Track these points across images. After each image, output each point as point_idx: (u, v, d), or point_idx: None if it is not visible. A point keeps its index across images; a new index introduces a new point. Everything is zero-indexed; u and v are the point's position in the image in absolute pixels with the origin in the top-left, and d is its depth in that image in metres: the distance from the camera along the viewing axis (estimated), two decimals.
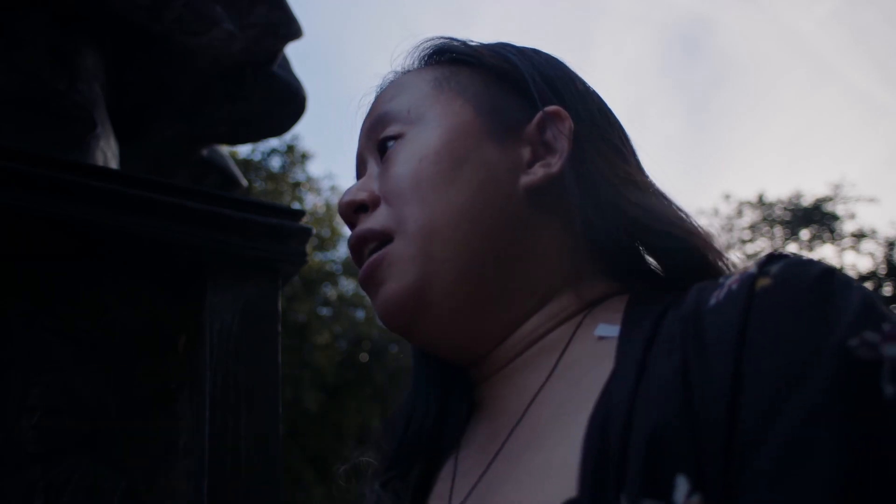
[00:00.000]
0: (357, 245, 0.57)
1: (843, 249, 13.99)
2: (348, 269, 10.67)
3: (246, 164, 10.24)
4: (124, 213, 0.93)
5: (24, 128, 1.18)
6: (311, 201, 11.14)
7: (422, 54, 0.63)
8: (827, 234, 14.18)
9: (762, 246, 14.46)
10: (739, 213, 14.95)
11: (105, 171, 0.98)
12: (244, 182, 1.85)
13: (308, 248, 1.06)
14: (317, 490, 8.83)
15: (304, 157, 11.22)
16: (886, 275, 13.46)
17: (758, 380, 0.37)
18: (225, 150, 1.90)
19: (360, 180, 0.60)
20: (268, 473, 0.92)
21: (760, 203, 14.80)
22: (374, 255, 0.55)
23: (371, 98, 0.64)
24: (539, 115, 0.57)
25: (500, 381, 0.56)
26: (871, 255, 13.85)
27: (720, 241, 0.55)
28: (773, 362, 0.37)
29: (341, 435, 9.48)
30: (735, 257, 0.55)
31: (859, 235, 13.89)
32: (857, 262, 14.12)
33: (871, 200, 14.19)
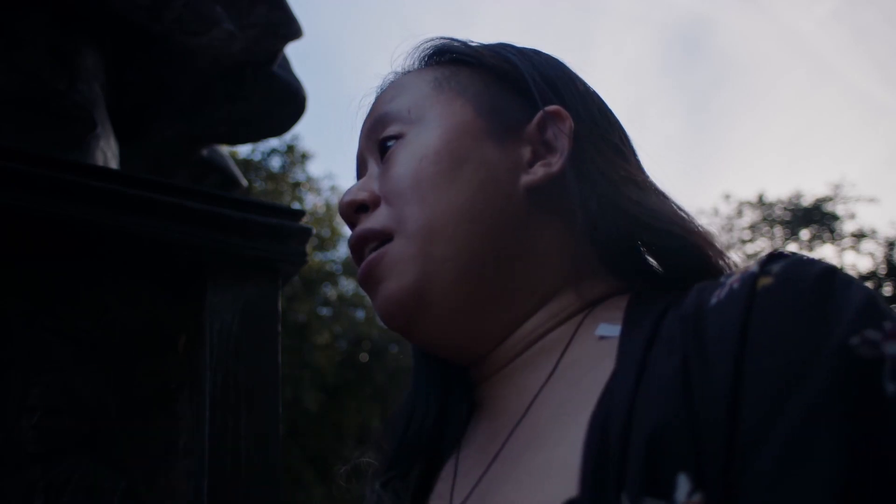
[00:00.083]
0: (357, 245, 0.57)
1: (843, 249, 14.00)
2: (348, 269, 10.67)
3: (246, 164, 10.24)
4: (124, 213, 0.93)
5: (24, 128, 1.18)
6: (311, 201, 11.14)
7: (422, 55, 0.63)
8: (827, 234, 14.18)
9: (762, 246, 14.45)
10: (739, 213, 14.95)
11: (105, 171, 0.98)
12: (244, 182, 1.85)
13: (308, 248, 1.06)
14: (317, 490, 8.83)
15: (304, 157, 11.22)
16: (886, 275, 13.46)
17: (759, 379, 0.37)
18: (225, 150, 1.90)
19: (361, 180, 0.60)
20: (268, 473, 0.92)
21: (760, 203, 14.81)
22: (373, 254, 0.55)
23: (371, 98, 0.64)
24: (539, 114, 0.57)
25: (500, 380, 0.56)
26: (871, 255, 13.86)
27: (720, 240, 0.55)
28: (775, 361, 0.37)
29: (341, 435, 9.48)
30: (735, 257, 0.55)
31: (859, 235, 13.89)
32: (857, 262, 14.12)
33: (871, 200, 14.19)
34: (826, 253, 13.86)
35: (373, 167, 0.60)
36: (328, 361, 9.39)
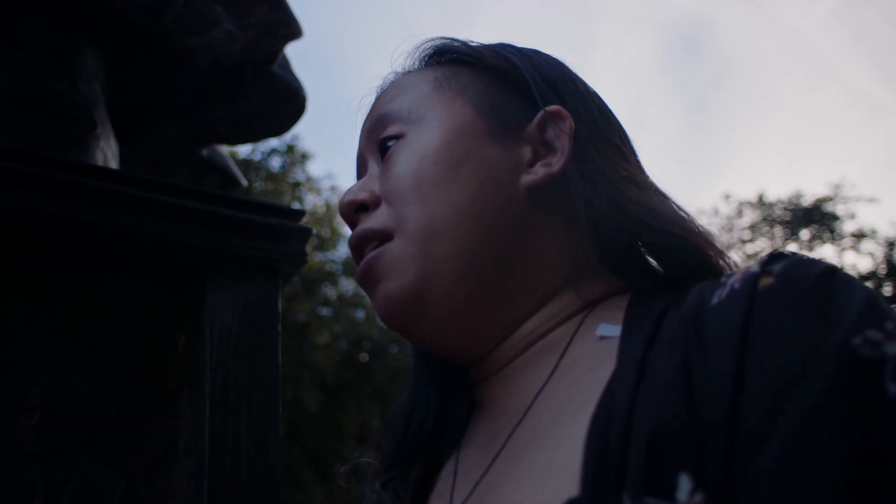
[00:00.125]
0: (358, 244, 0.57)
1: (843, 249, 14.00)
2: (348, 269, 10.66)
3: (246, 164, 10.24)
4: (124, 213, 0.93)
5: (24, 128, 1.18)
6: (311, 201, 11.14)
7: (422, 55, 0.63)
8: (827, 234, 14.18)
9: (762, 246, 14.46)
10: (739, 213, 14.95)
11: (105, 171, 0.98)
12: (244, 182, 1.85)
13: (308, 248, 1.06)
14: (317, 490, 8.83)
15: (304, 157, 11.22)
16: (886, 275, 13.46)
17: (760, 378, 0.37)
18: (225, 150, 1.90)
19: (361, 180, 0.60)
20: (268, 473, 0.92)
21: (760, 203, 14.81)
22: (372, 252, 0.55)
23: (371, 98, 0.64)
24: (540, 114, 0.57)
25: (500, 380, 0.56)
26: (871, 255, 13.86)
27: (720, 240, 0.55)
28: (776, 361, 0.37)
29: (341, 435, 9.48)
30: (735, 257, 0.55)
31: (859, 235, 13.89)
32: (857, 262, 14.12)
33: (871, 200, 14.19)
34: (826, 253, 13.87)
35: (373, 167, 0.60)
36: (328, 361, 9.39)
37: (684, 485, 0.37)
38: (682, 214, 0.55)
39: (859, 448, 0.34)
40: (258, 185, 10.43)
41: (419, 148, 0.56)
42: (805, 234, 14.35)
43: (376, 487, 0.58)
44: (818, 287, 0.40)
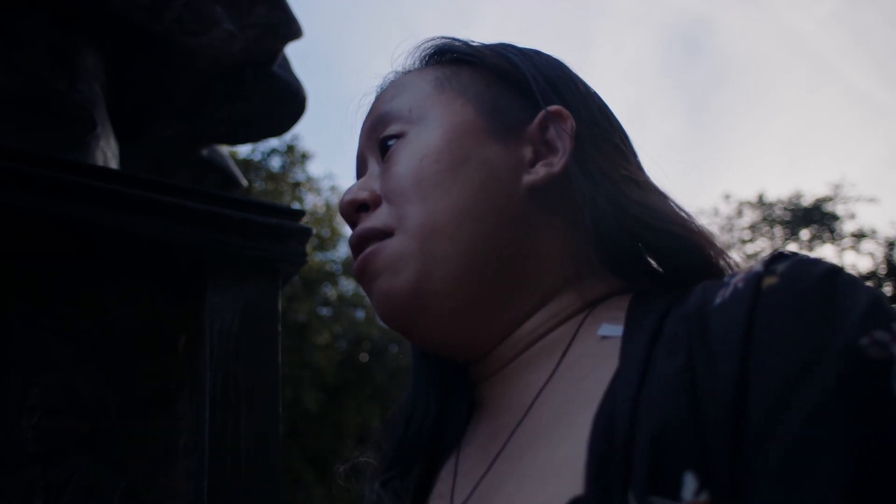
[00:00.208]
0: (358, 244, 0.57)
1: (843, 249, 14.00)
2: (348, 269, 10.66)
3: (246, 164, 10.24)
4: (124, 213, 0.93)
5: (24, 128, 1.18)
6: (311, 201, 11.14)
7: (423, 54, 0.63)
8: (827, 234, 14.19)
9: (762, 246, 14.46)
10: (739, 213, 14.95)
11: (105, 171, 0.98)
12: (244, 182, 1.85)
13: (308, 248, 1.06)
14: (317, 490, 8.83)
15: (304, 157, 11.22)
16: (886, 275, 13.46)
17: (765, 377, 0.37)
18: (225, 150, 1.90)
19: (361, 179, 0.60)
20: (268, 473, 0.92)
21: (760, 203, 14.81)
22: (370, 248, 0.55)
23: (371, 98, 0.64)
24: (541, 114, 0.57)
25: (500, 380, 0.56)
26: (871, 255, 13.86)
27: (721, 240, 0.55)
28: (781, 360, 0.38)
29: (341, 435, 9.48)
30: (735, 257, 0.55)
31: (859, 235, 13.90)
32: (857, 262, 14.12)
33: (871, 200, 14.20)
34: (826, 253, 13.87)
35: (373, 166, 0.60)
36: (328, 361, 9.39)
37: (689, 484, 0.37)
38: (683, 214, 0.55)
39: (865, 448, 0.34)
40: (258, 185, 10.43)
41: (420, 147, 0.56)
42: (805, 234, 14.35)
43: (376, 487, 0.58)
44: (822, 287, 0.40)
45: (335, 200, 11.09)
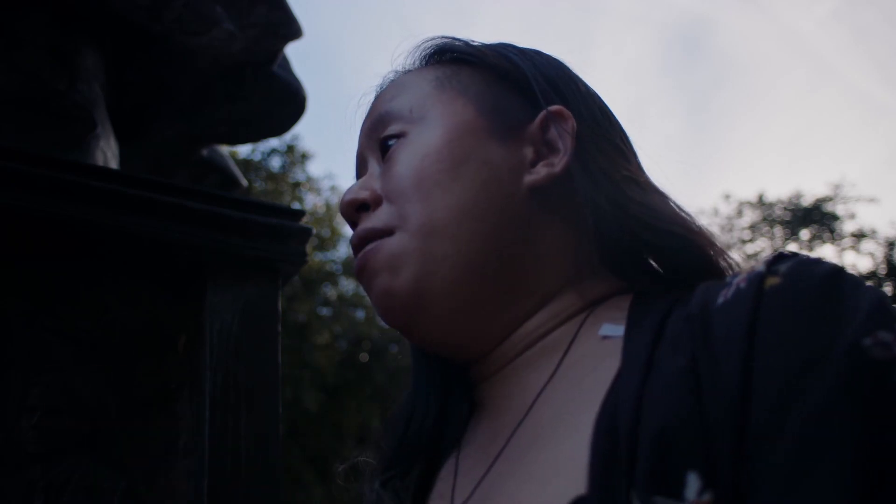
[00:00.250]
0: (360, 245, 0.57)
1: (843, 249, 14.00)
2: (348, 269, 10.66)
3: (246, 164, 10.24)
4: (124, 213, 0.93)
5: (24, 128, 1.18)
6: (311, 201, 11.14)
7: (423, 54, 0.63)
8: (827, 234, 14.19)
9: (762, 246, 14.46)
10: (739, 213, 14.96)
11: (105, 171, 0.98)
12: (244, 182, 1.85)
13: (308, 248, 1.06)
14: (317, 490, 8.83)
15: (304, 157, 11.22)
16: (886, 275, 13.46)
17: (768, 377, 0.38)
18: (225, 150, 1.90)
19: (362, 179, 0.60)
20: (268, 473, 0.92)
21: (760, 203, 14.81)
22: (370, 245, 0.55)
23: (371, 97, 0.64)
24: (542, 114, 0.57)
25: (501, 380, 0.56)
26: (871, 255, 13.87)
27: (721, 240, 0.55)
28: (785, 359, 0.38)
29: (341, 435, 9.48)
30: (736, 257, 0.55)
31: (859, 235, 13.90)
32: (857, 262, 14.12)
33: (871, 200, 14.20)
34: (826, 253, 13.88)
35: (373, 166, 0.60)
36: (328, 361, 9.39)
37: (693, 484, 0.37)
38: (684, 215, 0.55)
39: (870, 447, 0.34)
40: (258, 185, 10.43)
41: (421, 147, 0.56)
42: (805, 234, 14.35)
43: (376, 486, 0.58)
44: (825, 287, 0.40)
45: (335, 200, 11.09)
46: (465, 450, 0.56)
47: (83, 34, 1.29)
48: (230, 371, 0.94)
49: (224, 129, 1.65)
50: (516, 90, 0.58)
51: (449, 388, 0.62)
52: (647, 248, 0.55)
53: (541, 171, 0.56)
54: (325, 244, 10.69)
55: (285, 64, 1.59)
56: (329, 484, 8.24)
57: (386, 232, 0.55)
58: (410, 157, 0.56)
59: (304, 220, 1.06)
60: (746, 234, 14.76)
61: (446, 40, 0.62)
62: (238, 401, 0.93)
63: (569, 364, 0.51)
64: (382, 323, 0.58)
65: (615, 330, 0.50)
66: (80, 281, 0.94)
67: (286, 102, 1.61)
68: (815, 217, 14.20)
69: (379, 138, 0.59)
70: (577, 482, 0.40)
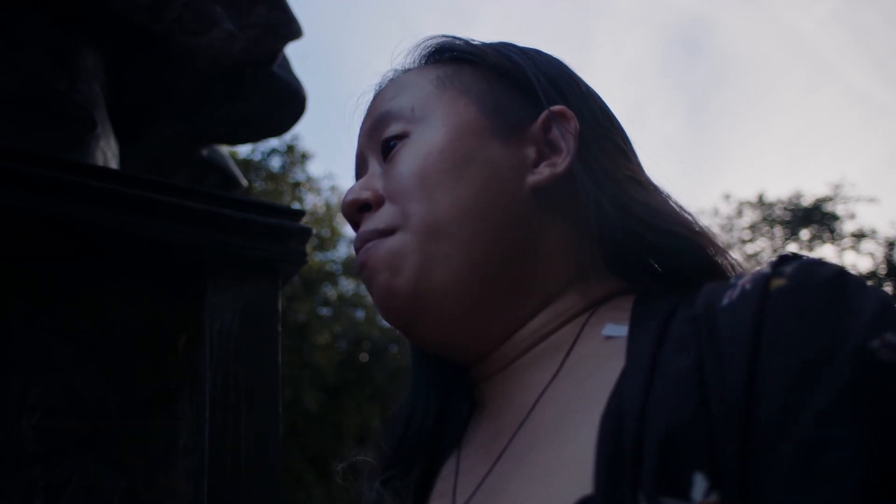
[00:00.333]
0: (363, 247, 0.57)
1: (843, 249, 14.00)
2: (348, 269, 10.67)
3: (246, 164, 10.24)
4: (124, 213, 0.93)
5: (24, 128, 1.18)
6: (311, 201, 11.14)
7: (423, 52, 0.63)
8: (827, 234, 14.19)
9: (762, 246, 14.47)
10: (739, 213, 14.96)
11: (105, 171, 0.98)
12: (244, 182, 1.85)
13: (308, 248, 1.06)
14: (317, 490, 8.82)
15: (304, 157, 11.22)
16: (886, 275, 13.47)
17: (775, 377, 0.38)
18: (225, 150, 1.90)
19: (363, 179, 0.59)
20: (268, 473, 0.92)
21: (760, 203, 14.81)
22: (371, 243, 0.55)
23: (369, 96, 0.64)
24: (545, 114, 0.57)
25: (502, 380, 0.56)
26: (871, 255, 13.87)
27: (723, 240, 0.55)
28: (791, 360, 0.38)
29: (341, 435, 9.48)
30: (737, 257, 0.55)
31: (859, 235, 13.90)
32: (857, 262, 14.12)
33: (871, 200, 14.21)
34: (826, 253, 13.88)
35: (374, 166, 0.59)
36: (328, 361, 9.39)
37: (699, 484, 0.37)
38: (686, 215, 0.55)
39: (878, 449, 0.34)
40: (258, 185, 10.43)
41: (423, 147, 0.55)
42: (805, 234, 14.35)
43: (377, 486, 0.58)
44: (831, 289, 0.40)
45: (335, 200, 11.10)
46: (466, 449, 0.56)
47: (83, 34, 1.29)
48: (230, 371, 0.94)
49: (224, 129, 1.65)
50: (517, 90, 0.58)
51: (449, 387, 0.62)
52: (650, 248, 0.55)
53: (543, 171, 0.56)
54: (325, 244, 10.69)
55: (285, 64, 1.59)
56: (329, 484, 8.24)
57: (388, 232, 0.55)
58: (413, 157, 0.55)
59: (304, 220, 1.06)
60: (746, 234, 14.76)
61: (446, 39, 0.62)
62: (238, 401, 0.93)
63: (572, 364, 0.51)
64: (382, 323, 0.58)
65: (618, 330, 0.50)
66: (80, 281, 0.94)
67: (286, 102, 1.61)
68: (815, 217, 14.20)
69: (380, 138, 0.59)
70: (583, 482, 0.40)
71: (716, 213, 14.94)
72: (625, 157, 0.57)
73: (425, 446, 0.59)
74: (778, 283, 0.41)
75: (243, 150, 10.13)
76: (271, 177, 10.88)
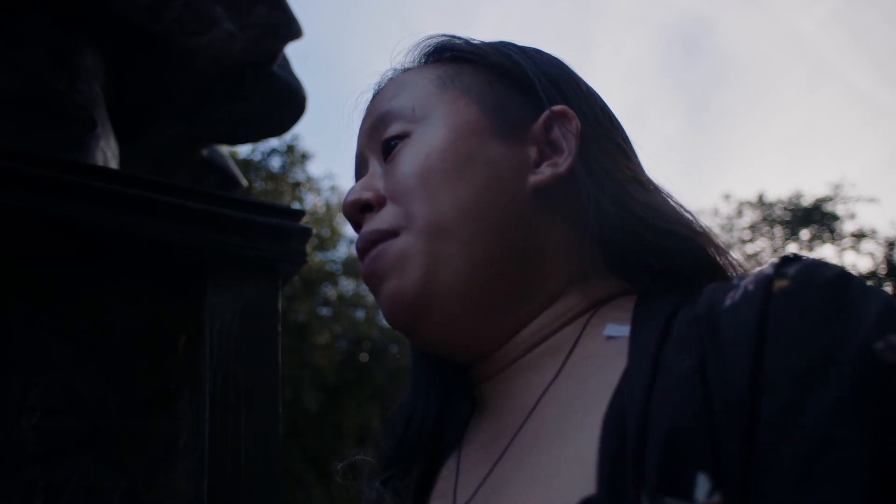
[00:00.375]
0: (366, 248, 0.56)
1: (843, 249, 14.01)
2: (348, 269, 10.67)
3: (246, 164, 10.24)
4: (124, 213, 0.93)
5: (24, 128, 1.18)
6: (311, 201, 11.14)
7: (423, 52, 0.63)
8: (827, 234, 14.19)
9: (762, 246, 14.47)
10: (739, 213, 14.96)
11: (105, 171, 0.98)
12: (244, 182, 1.85)
13: (308, 248, 1.06)
14: (317, 490, 8.83)
15: (304, 157, 11.22)
16: (886, 275, 13.46)
17: (778, 378, 0.37)
18: (225, 150, 1.90)
19: (363, 179, 0.59)
20: (268, 473, 0.92)
21: (760, 203, 14.82)
22: (376, 248, 0.55)
23: (369, 96, 0.64)
24: (546, 114, 0.56)
25: (503, 380, 0.55)
26: (871, 255, 13.87)
27: (723, 240, 0.55)
28: (794, 361, 0.38)
29: (341, 435, 9.48)
30: (738, 257, 0.55)
31: (859, 235, 13.90)
32: (857, 262, 14.12)
33: (871, 200, 14.21)
34: (826, 253, 13.88)
35: (375, 166, 0.59)
36: (328, 361, 9.39)
37: (702, 485, 0.37)
38: (687, 215, 0.55)
39: (882, 450, 0.34)
40: (258, 185, 10.43)
41: (425, 147, 0.55)
42: (805, 234, 14.35)
43: (377, 485, 0.58)
44: (835, 290, 0.40)
45: (335, 200, 11.10)
46: (467, 449, 0.56)
47: (83, 34, 1.29)
48: (230, 371, 0.94)
49: (224, 129, 1.65)
50: (518, 89, 0.58)
51: (449, 387, 0.62)
52: (650, 248, 0.55)
53: (545, 171, 0.55)
54: (325, 244, 10.69)
55: (285, 64, 1.59)
56: (329, 484, 8.24)
57: (392, 233, 0.55)
58: (414, 157, 0.55)
59: (304, 220, 1.06)
60: (746, 234, 14.77)
61: (446, 38, 0.62)
62: (238, 401, 0.93)
63: (573, 364, 0.51)
64: (382, 323, 0.58)
65: (620, 330, 0.50)
66: (80, 281, 0.94)
67: (286, 102, 1.61)
68: (815, 217, 14.20)
69: (381, 138, 0.59)
70: (585, 482, 0.40)
71: (716, 213, 14.95)
72: (625, 157, 0.57)
73: (425, 446, 0.59)
74: (781, 284, 0.41)
75: (243, 150, 10.13)
76: (271, 177, 10.89)
